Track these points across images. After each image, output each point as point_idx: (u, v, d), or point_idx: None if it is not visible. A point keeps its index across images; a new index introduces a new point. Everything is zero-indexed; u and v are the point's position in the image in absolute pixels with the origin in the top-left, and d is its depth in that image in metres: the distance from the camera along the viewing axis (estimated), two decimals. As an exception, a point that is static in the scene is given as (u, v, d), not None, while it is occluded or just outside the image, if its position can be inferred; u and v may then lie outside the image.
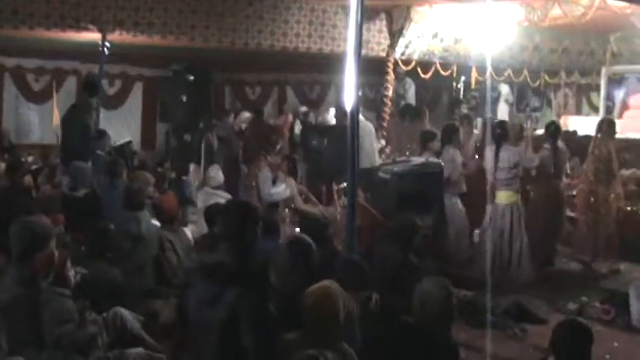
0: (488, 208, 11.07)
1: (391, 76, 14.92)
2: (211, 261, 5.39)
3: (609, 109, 18.66)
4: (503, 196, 10.96)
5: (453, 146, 11.31)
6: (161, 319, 7.37)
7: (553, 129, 11.81)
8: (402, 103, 15.35)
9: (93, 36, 12.26)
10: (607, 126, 11.90)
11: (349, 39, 6.79)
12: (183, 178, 12.80)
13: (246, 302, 4.94)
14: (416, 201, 10.44)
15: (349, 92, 6.61)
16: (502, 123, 11.74)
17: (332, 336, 4.96)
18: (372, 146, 12.13)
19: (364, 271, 6.32)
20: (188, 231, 9.36)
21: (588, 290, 10.48)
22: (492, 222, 11.01)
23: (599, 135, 11.70)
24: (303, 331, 5.07)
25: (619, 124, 15.42)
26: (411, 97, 16.92)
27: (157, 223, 8.73)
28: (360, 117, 7.99)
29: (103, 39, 12.24)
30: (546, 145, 11.57)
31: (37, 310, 5.39)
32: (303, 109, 18.30)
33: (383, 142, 14.02)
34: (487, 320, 8.76)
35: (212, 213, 8.52)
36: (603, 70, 18.41)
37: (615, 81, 19.03)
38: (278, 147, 12.58)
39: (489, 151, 11.08)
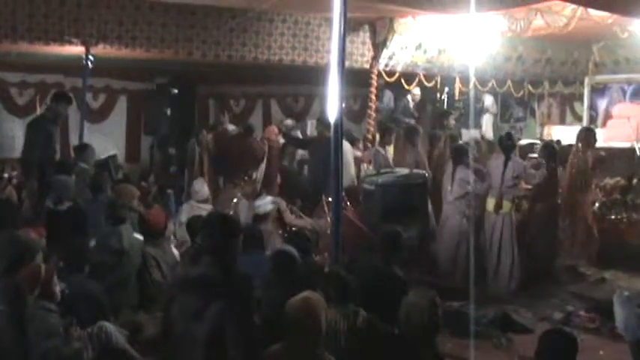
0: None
1: (375, 88, 14.95)
2: (193, 275, 5.38)
3: (592, 119, 18.74)
4: (507, 206, 11.07)
5: (465, 166, 11.24)
6: (145, 334, 7.35)
7: (550, 149, 11.91)
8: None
9: (76, 49, 12.23)
10: (585, 135, 11.99)
11: (332, 51, 6.80)
12: (168, 191, 12.78)
13: (230, 316, 4.93)
14: (400, 212, 10.48)
15: (333, 104, 6.61)
16: (510, 135, 11.79)
17: (314, 348, 4.95)
18: (349, 162, 12.19)
19: (350, 284, 6.31)
20: (173, 246, 9.35)
21: (574, 299, 10.52)
22: (484, 230, 11.07)
23: (579, 144, 11.78)
24: (285, 344, 5.05)
25: (602, 134, 15.53)
26: (389, 109, 17.06)
27: (139, 237, 8.68)
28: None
29: (87, 52, 12.21)
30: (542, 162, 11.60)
31: (22, 324, 5.37)
32: (289, 122, 18.28)
33: (358, 153, 14.03)
34: (473, 330, 8.77)
35: (194, 226, 8.51)
36: (586, 80, 18.54)
37: (598, 90, 19.11)
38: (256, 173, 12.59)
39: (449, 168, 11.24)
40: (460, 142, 13.30)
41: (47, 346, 5.54)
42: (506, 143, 11.31)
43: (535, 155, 13.71)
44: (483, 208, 11.35)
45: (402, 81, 15.43)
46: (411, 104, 17.52)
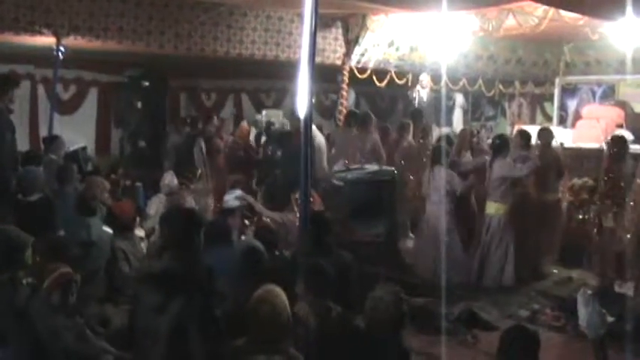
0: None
1: (347, 85, 14.98)
2: (156, 269, 5.37)
3: (562, 119, 18.88)
4: (492, 207, 11.17)
5: (441, 165, 11.27)
6: (113, 326, 7.33)
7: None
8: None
9: (47, 40, 12.15)
10: (545, 135, 12.07)
11: (303, 46, 6.81)
12: (137, 184, 12.74)
13: (192, 310, 4.92)
14: (368, 208, 10.51)
15: (303, 99, 6.62)
16: (502, 135, 11.87)
17: (278, 342, 4.94)
18: (322, 153, 12.19)
19: (330, 278, 6.30)
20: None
21: (540, 297, 10.60)
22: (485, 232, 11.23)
23: (538, 143, 11.87)
24: (249, 337, 5.04)
25: (571, 134, 15.64)
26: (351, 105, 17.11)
27: (108, 230, 8.64)
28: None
29: (58, 43, 12.12)
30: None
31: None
32: (261, 116, 18.24)
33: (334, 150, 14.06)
34: (439, 327, 8.82)
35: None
36: (557, 81, 18.67)
37: (569, 91, 19.26)
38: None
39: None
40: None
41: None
42: (495, 144, 11.38)
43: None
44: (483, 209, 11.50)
45: (374, 78, 15.42)
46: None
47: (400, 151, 13.93)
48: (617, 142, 11.15)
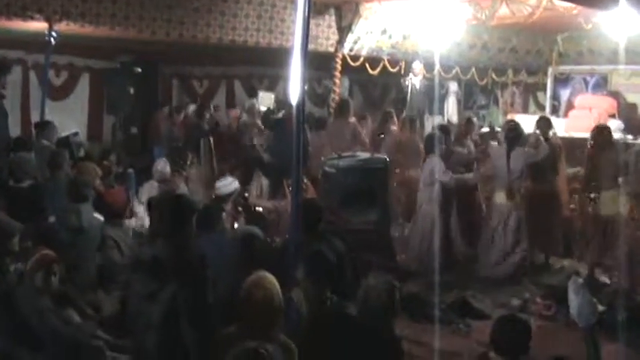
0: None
1: (339, 72, 14.97)
2: (147, 256, 5.35)
3: (555, 108, 18.88)
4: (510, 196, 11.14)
5: (434, 155, 11.28)
6: (104, 313, 7.32)
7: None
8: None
9: (39, 25, 12.06)
10: (543, 124, 12.05)
11: (296, 33, 6.78)
12: (129, 171, 12.71)
13: (184, 296, 4.91)
14: (360, 196, 10.51)
15: (295, 86, 6.60)
16: (517, 124, 11.77)
17: (268, 329, 4.93)
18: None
19: (331, 267, 6.29)
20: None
21: (532, 286, 10.61)
22: (493, 220, 11.24)
23: (536, 132, 11.86)
24: (241, 324, 5.03)
25: (564, 124, 15.65)
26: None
27: (99, 216, 8.61)
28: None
29: (50, 29, 12.04)
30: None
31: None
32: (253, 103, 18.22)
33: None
34: (432, 315, 8.84)
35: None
36: (550, 70, 18.67)
37: (561, 80, 19.25)
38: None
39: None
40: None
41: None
42: (510, 134, 11.33)
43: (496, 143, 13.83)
44: (489, 199, 11.53)
45: (367, 66, 15.40)
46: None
47: (385, 142, 13.90)
48: (601, 132, 11.13)
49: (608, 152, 10.81)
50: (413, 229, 11.51)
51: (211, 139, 14.55)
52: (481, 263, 11.26)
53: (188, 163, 12.47)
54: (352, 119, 13.65)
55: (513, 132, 11.27)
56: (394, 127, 14.43)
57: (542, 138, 11.70)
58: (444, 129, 12.24)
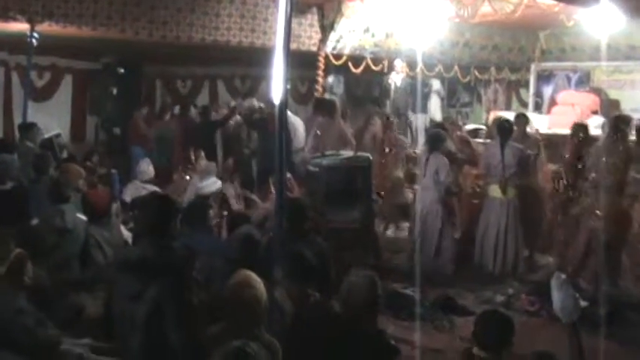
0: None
1: (322, 71, 14.99)
2: (132, 255, 5.35)
3: (538, 105, 18.98)
4: (505, 191, 11.14)
5: (440, 152, 11.30)
6: (88, 314, 7.30)
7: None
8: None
9: (21, 26, 12.04)
10: (520, 121, 12.08)
11: (278, 32, 6.79)
12: (112, 171, 12.68)
13: (168, 296, 4.91)
14: (344, 194, 10.52)
15: (277, 86, 6.61)
16: (508, 120, 11.82)
17: (253, 327, 4.94)
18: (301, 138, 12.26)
19: (310, 265, 6.30)
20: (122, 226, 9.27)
21: (516, 282, 10.65)
22: (487, 215, 11.27)
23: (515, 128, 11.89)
24: (226, 323, 5.04)
25: (547, 120, 15.72)
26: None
27: (83, 217, 8.59)
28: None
29: (32, 30, 12.01)
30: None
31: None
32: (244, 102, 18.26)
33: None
34: (415, 312, 8.86)
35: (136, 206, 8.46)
36: (532, 67, 18.79)
37: (544, 77, 19.36)
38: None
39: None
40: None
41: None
42: (504, 129, 11.35)
43: (481, 140, 13.90)
44: (483, 195, 11.56)
45: (349, 64, 15.42)
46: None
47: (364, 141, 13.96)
48: (579, 130, 11.16)
49: (586, 149, 10.86)
50: (416, 230, 11.44)
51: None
52: (476, 259, 11.28)
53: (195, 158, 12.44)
54: (339, 119, 13.66)
55: (506, 127, 11.29)
56: (374, 127, 14.47)
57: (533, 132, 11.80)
58: (443, 126, 12.30)
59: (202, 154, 12.36)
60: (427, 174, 11.10)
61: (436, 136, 11.47)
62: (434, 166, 11.05)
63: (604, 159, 10.13)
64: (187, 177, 11.60)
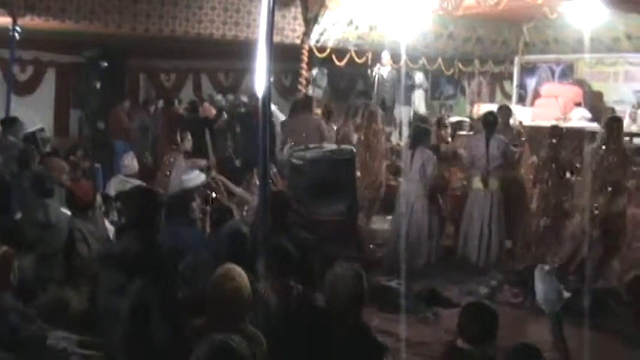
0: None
1: (306, 64, 14.99)
2: (116, 250, 5.34)
3: (522, 98, 19.02)
4: (488, 183, 11.15)
5: (426, 146, 11.30)
6: (72, 309, 7.28)
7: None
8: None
9: (3, 20, 12.00)
10: (503, 113, 12.07)
11: (261, 25, 6.79)
12: (96, 166, 12.66)
13: (152, 290, 4.91)
14: (328, 187, 10.52)
15: (260, 79, 6.61)
16: (493, 112, 11.79)
17: (237, 321, 4.93)
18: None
19: (292, 258, 6.29)
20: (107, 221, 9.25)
21: (499, 274, 10.68)
22: (471, 207, 11.28)
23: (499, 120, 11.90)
24: (209, 317, 5.04)
25: (530, 112, 15.76)
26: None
27: (66, 211, 8.56)
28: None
29: (14, 23, 11.97)
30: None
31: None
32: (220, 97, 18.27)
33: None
34: (400, 305, 8.87)
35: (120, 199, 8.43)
36: (516, 59, 18.81)
37: (528, 70, 19.40)
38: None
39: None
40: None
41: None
42: (489, 121, 11.36)
43: (464, 132, 13.92)
44: (468, 186, 11.54)
45: (333, 57, 15.42)
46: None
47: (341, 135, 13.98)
48: (556, 131, 11.22)
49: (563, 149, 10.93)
50: (400, 224, 11.44)
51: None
52: (460, 251, 11.31)
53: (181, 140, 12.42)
54: (317, 115, 13.70)
55: (492, 120, 11.30)
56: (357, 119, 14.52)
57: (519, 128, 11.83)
58: (427, 120, 12.33)
59: (189, 135, 12.32)
60: (413, 168, 11.10)
61: (421, 131, 11.47)
62: (420, 160, 11.05)
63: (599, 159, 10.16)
64: (172, 159, 11.54)
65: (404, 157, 11.51)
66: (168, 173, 11.31)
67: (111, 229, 9.02)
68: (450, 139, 13.21)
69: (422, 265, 10.92)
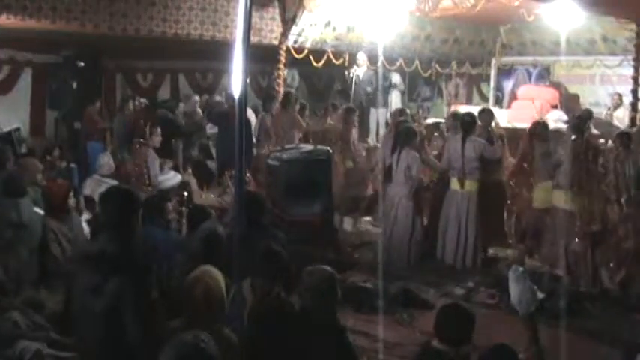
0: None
1: (283, 64, 14.99)
2: (92, 250, 5.31)
3: (499, 99, 19.13)
4: (464, 184, 11.14)
5: (412, 148, 11.30)
6: (47, 310, 7.25)
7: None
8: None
9: (-22, 20, 11.94)
10: (485, 116, 12.08)
11: (238, 25, 6.78)
12: (72, 166, 12.61)
13: (128, 291, 4.89)
14: (304, 188, 10.52)
15: (237, 79, 6.60)
16: (470, 114, 11.78)
17: (212, 322, 4.94)
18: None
19: (273, 260, 6.28)
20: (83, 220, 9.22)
21: (475, 275, 10.71)
22: (448, 208, 11.26)
23: (479, 123, 11.92)
24: (184, 317, 5.05)
25: (507, 114, 15.81)
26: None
27: (40, 211, 8.51)
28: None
29: (-11, 23, 11.93)
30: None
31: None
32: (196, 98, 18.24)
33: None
34: (376, 306, 8.87)
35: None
36: (493, 61, 18.90)
37: (505, 72, 19.52)
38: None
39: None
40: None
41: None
42: (465, 123, 11.35)
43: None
44: (446, 187, 11.50)
45: (311, 58, 15.43)
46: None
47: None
48: (537, 127, 11.27)
49: (542, 146, 10.94)
50: (383, 224, 11.44)
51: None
52: (438, 252, 11.32)
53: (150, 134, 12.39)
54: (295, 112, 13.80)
55: (468, 121, 11.31)
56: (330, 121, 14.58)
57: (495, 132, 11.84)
58: (405, 112, 12.38)
59: (158, 130, 12.29)
60: (398, 169, 11.11)
61: (407, 132, 11.46)
62: (405, 161, 11.06)
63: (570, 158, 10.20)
64: (143, 154, 11.52)
65: (393, 158, 11.42)
66: (144, 169, 11.30)
67: (86, 228, 9.00)
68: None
69: (405, 266, 10.95)
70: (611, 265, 9.96)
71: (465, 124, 11.26)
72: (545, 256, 10.71)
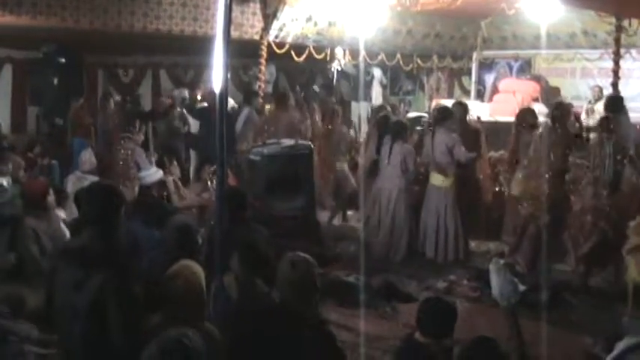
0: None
1: (265, 60, 14.98)
2: (74, 246, 5.30)
3: (480, 93, 19.17)
4: (438, 179, 11.16)
5: (404, 141, 11.32)
6: (28, 307, 7.23)
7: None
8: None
9: (-43, 15, 11.88)
10: (459, 109, 12.08)
11: (219, 20, 6.77)
12: (53, 162, 12.57)
13: (110, 287, 4.88)
14: (286, 182, 10.53)
15: (218, 75, 6.59)
16: (440, 108, 11.80)
17: (193, 318, 4.93)
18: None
19: (260, 254, 6.28)
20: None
21: (458, 269, 10.74)
22: (428, 202, 11.29)
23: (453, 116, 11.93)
24: (164, 313, 5.04)
25: (489, 108, 15.86)
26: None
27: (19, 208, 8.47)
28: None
29: (-31, 19, 11.87)
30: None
31: None
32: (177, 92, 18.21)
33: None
34: (358, 299, 8.89)
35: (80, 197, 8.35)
36: (474, 55, 18.93)
37: (486, 65, 19.58)
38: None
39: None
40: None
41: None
42: (434, 116, 11.44)
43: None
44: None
45: (292, 53, 15.42)
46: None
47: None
48: (524, 116, 11.32)
49: (528, 135, 10.98)
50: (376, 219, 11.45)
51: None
52: (419, 246, 11.34)
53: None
54: (291, 111, 13.77)
55: (441, 114, 11.32)
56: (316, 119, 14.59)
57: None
58: (386, 108, 12.40)
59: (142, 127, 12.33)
60: (391, 163, 11.12)
61: (400, 126, 11.49)
62: (400, 155, 11.07)
63: (545, 146, 10.23)
64: (129, 151, 11.51)
65: (382, 153, 11.40)
66: (130, 164, 11.29)
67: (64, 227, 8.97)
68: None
69: (398, 260, 10.99)
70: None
71: (434, 118, 11.34)
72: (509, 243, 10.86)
